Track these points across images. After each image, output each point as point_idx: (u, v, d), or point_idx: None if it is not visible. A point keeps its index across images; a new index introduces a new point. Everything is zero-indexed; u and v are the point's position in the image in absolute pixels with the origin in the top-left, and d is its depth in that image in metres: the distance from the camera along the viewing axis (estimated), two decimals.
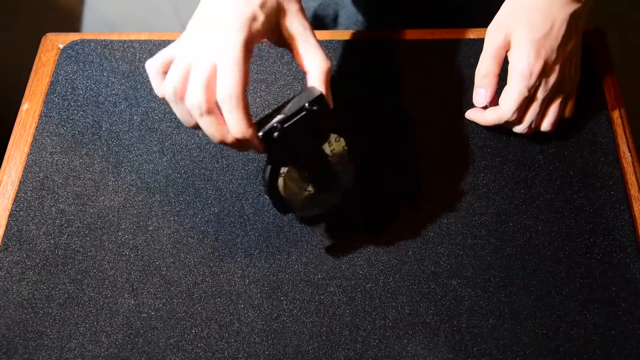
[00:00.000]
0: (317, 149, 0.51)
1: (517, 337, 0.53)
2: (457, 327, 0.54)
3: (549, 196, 0.59)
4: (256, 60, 0.67)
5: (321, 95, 0.47)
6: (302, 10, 0.51)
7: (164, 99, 0.48)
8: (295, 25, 0.50)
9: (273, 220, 0.59)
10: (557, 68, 0.56)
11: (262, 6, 0.47)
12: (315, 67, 0.49)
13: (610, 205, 0.58)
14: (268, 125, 0.47)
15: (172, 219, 0.59)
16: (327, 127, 0.51)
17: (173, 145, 0.63)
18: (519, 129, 0.60)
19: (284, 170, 0.50)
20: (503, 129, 0.62)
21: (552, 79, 0.56)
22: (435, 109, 0.64)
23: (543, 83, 0.56)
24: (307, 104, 0.47)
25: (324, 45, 0.68)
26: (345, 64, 0.67)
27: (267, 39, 0.51)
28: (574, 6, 0.55)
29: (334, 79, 0.66)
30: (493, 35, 0.58)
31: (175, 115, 0.64)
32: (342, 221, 0.59)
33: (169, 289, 0.56)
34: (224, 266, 0.57)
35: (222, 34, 0.46)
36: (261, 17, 0.47)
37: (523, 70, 0.56)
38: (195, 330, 0.54)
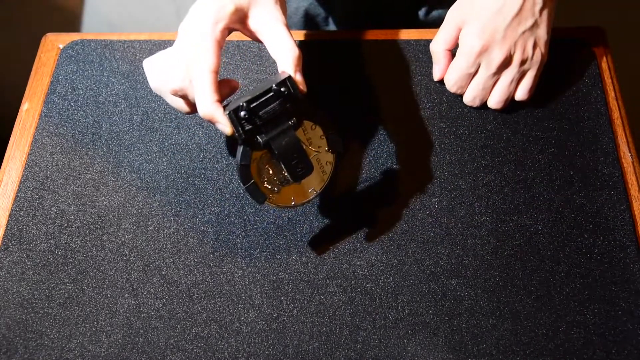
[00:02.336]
0: (289, 134, 0.49)
1: (517, 337, 0.53)
2: (457, 327, 0.54)
3: (549, 196, 0.59)
4: (256, 60, 0.67)
5: (289, 77, 0.48)
6: (280, 1, 0.52)
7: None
8: (265, 15, 0.51)
9: (273, 220, 0.59)
10: (502, 48, 0.58)
11: None
12: (284, 54, 0.49)
13: (610, 205, 0.58)
14: (234, 105, 0.47)
15: (172, 219, 0.59)
16: (301, 113, 0.50)
17: (173, 145, 0.63)
18: (465, 100, 0.63)
19: (256, 155, 0.50)
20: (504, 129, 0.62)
21: (496, 58, 0.58)
22: (436, 109, 0.64)
23: (485, 61, 0.59)
24: (274, 85, 0.47)
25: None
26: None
27: (239, 30, 0.52)
28: None
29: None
30: (451, 14, 0.61)
31: (175, 115, 0.65)
32: (342, 222, 0.59)
33: (169, 289, 0.56)
34: (224, 266, 0.57)
35: (193, 28, 0.49)
36: (229, 7, 0.49)
37: (464, 49, 0.59)
38: (195, 330, 0.54)
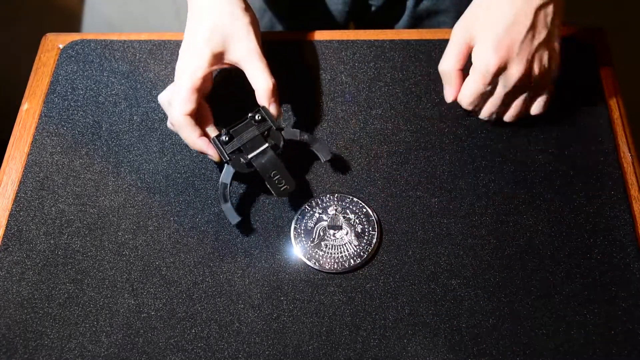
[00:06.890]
0: (268, 153, 0.55)
1: (517, 337, 0.53)
2: (457, 327, 0.54)
3: (549, 196, 0.59)
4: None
5: (263, 107, 0.56)
6: (253, 25, 0.58)
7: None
8: (241, 49, 0.57)
9: (273, 221, 0.59)
10: (520, 63, 0.55)
11: (208, 41, 0.56)
12: (259, 86, 0.57)
13: (610, 205, 0.58)
14: (216, 133, 0.56)
15: (172, 219, 0.59)
16: (280, 138, 0.56)
17: (173, 145, 0.63)
18: (481, 116, 0.61)
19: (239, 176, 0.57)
20: (504, 125, 0.62)
21: (514, 74, 0.55)
22: (436, 109, 0.64)
23: (502, 79, 0.56)
24: (249, 114, 0.56)
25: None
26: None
27: (220, 67, 0.58)
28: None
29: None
30: (457, 31, 0.58)
31: None
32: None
33: (169, 289, 0.56)
34: (224, 266, 0.57)
35: (178, 74, 0.57)
36: (206, 54, 0.56)
37: (480, 67, 0.56)
38: (195, 330, 0.54)
